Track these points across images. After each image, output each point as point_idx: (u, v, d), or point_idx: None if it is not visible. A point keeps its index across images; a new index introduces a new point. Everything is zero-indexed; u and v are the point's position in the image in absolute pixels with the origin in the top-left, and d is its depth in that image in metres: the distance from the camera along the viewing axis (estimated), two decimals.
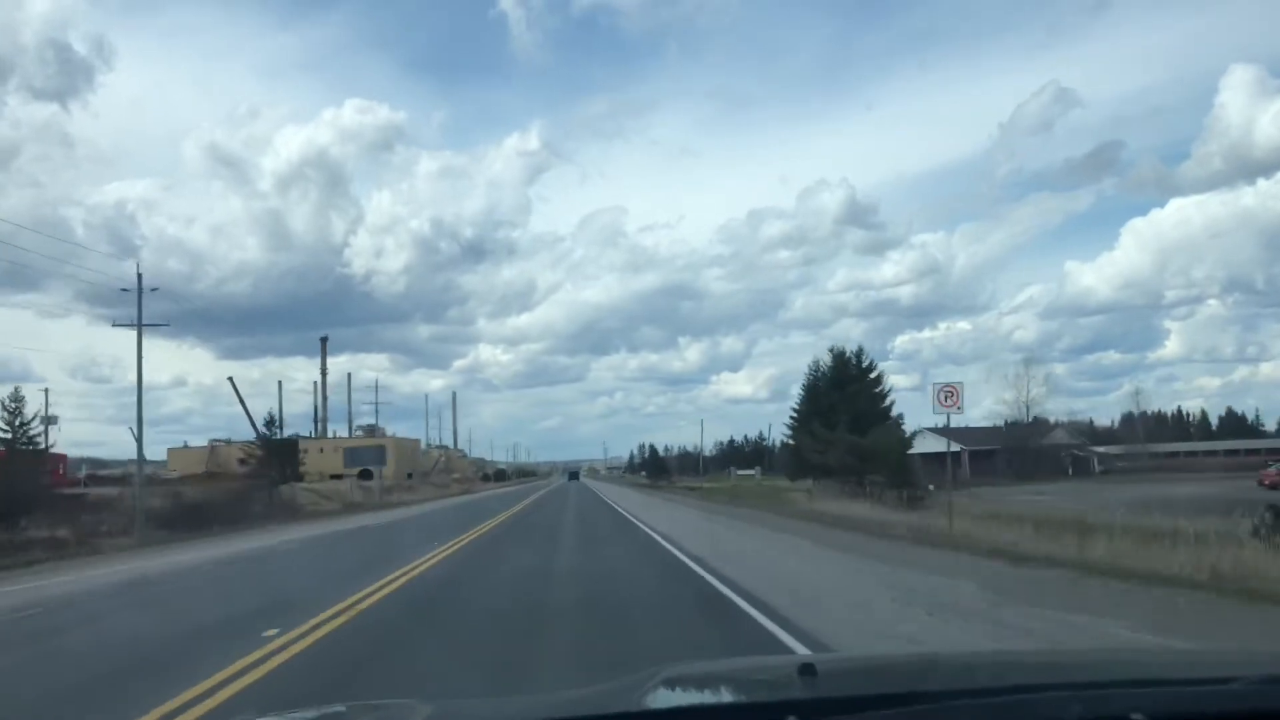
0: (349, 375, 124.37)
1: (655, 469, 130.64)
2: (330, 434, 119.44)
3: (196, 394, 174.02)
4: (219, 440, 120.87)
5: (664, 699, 2.16)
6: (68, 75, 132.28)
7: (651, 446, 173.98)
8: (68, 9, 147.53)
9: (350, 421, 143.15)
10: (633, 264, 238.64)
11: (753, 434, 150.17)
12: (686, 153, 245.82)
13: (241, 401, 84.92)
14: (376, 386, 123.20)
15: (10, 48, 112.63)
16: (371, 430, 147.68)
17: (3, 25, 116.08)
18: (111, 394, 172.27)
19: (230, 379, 79.32)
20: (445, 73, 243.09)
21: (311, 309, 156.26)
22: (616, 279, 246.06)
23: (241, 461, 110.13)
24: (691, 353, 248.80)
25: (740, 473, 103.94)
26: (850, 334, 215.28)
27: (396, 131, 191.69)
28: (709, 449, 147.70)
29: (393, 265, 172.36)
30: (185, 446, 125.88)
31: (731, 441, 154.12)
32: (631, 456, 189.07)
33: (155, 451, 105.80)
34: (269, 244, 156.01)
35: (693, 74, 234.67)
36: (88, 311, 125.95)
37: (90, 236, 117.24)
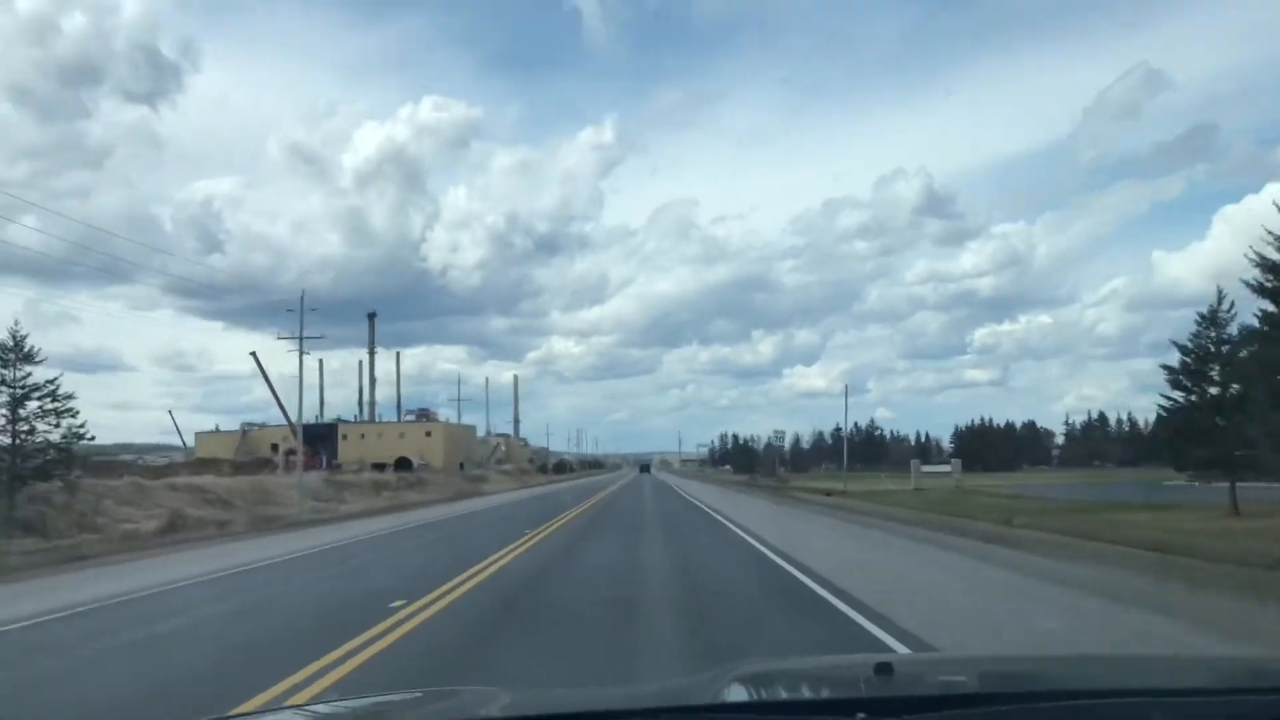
0: (398, 354, 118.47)
1: (743, 462, 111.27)
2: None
3: (278, 383, 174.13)
4: (252, 424, 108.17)
5: (737, 694, 2.14)
6: (157, 78, 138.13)
7: (734, 436, 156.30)
8: (157, 13, 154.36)
9: (399, 406, 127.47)
10: (705, 256, 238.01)
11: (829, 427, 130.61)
12: (760, 142, 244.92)
13: (267, 379, 71.53)
14: (459, 381, 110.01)
15: (104, 53, 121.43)
16: (425, 415, 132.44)
17: (98, 31, 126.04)
18: (197, 382, 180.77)
19: (253, 354, 67.40)
20: (520, 68, 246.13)
21: (390, 302, 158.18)
22: (688, 271, 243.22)
23: (274, 447, 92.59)
24: (765, 346, 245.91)
25: (933, 469, 67.40)
26: (928, 326, 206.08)
27: (472, 128, 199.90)
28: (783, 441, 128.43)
29: (468, 260, 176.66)
30: (216, 430, 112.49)
31: (837, 431, 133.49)
32: (712, 448, 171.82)
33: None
34: (349, 239, 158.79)
35: (766, 62, 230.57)
36: (175, 304, 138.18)
37: (178, 232, 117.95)
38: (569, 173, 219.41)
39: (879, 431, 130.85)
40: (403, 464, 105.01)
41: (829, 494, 45.32)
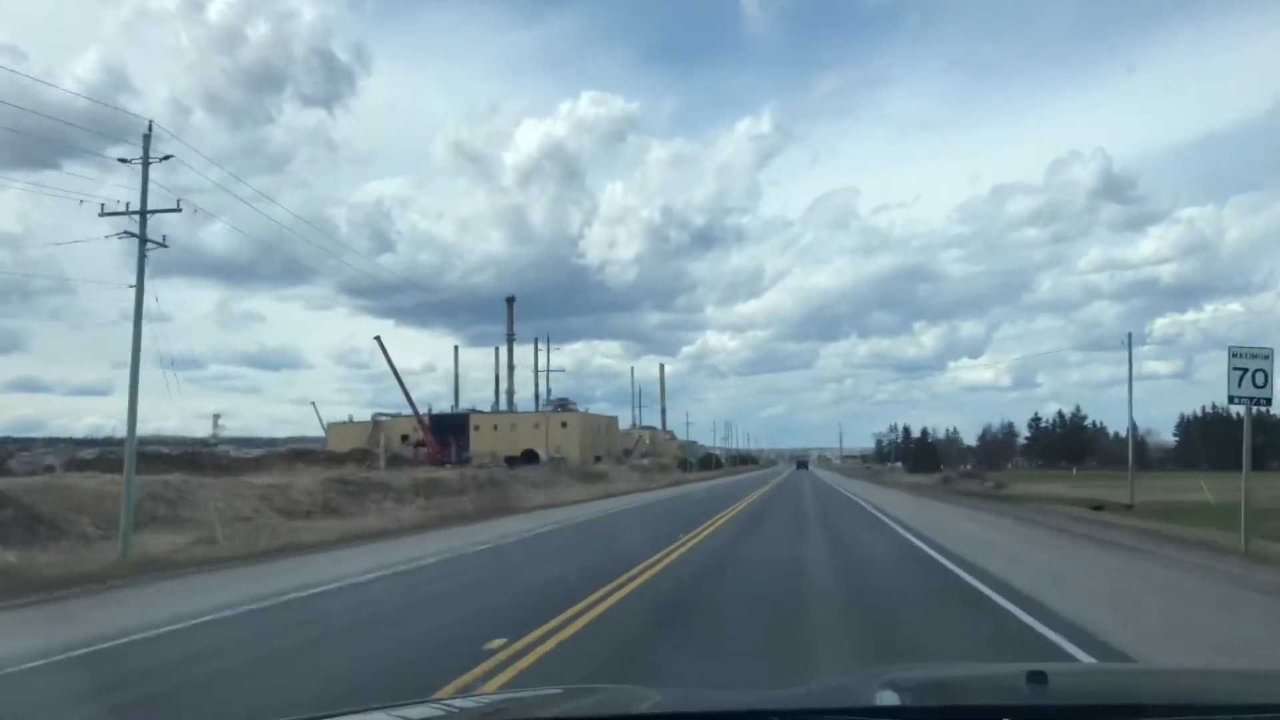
0: (535, 340, 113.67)
1: (921, 459, 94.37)
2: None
3: (444, 379, 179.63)
4: (384, 415, 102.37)
5: (884, 698, 2.11)
6: (332, 82, 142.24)
7: (906, 429, 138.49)
8: (331, 19, 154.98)
9: (538, 396, 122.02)
10: (865, 246, 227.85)
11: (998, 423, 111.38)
12: (924, 127, 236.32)
13: (391, 365, 64.58)
14: (633, 374, 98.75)
15: (284, 60, 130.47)
16: (563, 405, 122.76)
17: (279, 39, 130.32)
18: (369, 379, 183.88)
19: (377, 338, 60.22)
20: (678, 60, 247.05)
21: (549, 298, 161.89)
22: (848, 262, 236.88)
23: (404, 438, 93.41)
24: (927, 338, 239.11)
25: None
26: (1103, 317, 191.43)
27: (629, 121, 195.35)
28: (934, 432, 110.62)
29: (624, 254, 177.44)
30: (350, 421, 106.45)
31: (1009, 427, 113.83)
32: (880, 442, 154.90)
33: None
34: (510, 236, 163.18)
35: (932, 43, 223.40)
36: (349, 303, 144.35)
37: (352, 233, 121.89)
38: (726, 164, 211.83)
39: (1086, 420, 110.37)
40: (527, 457, 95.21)
41: (1099, 508, 29.96)
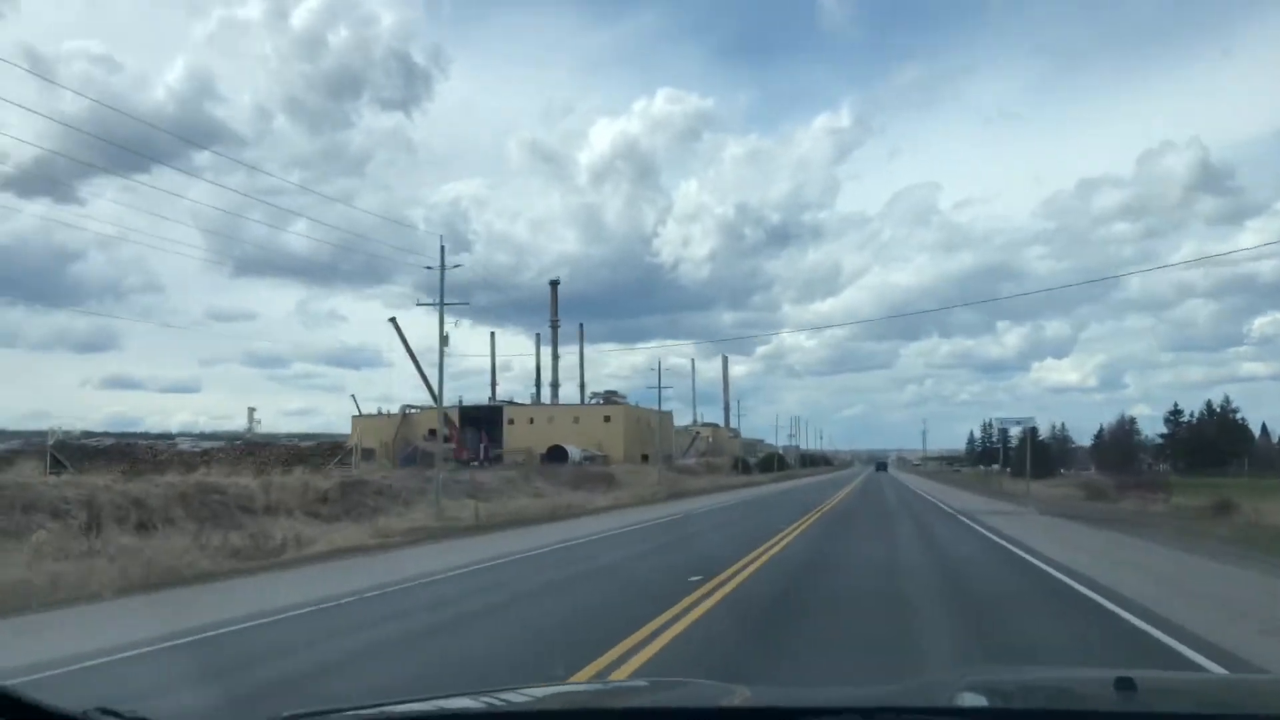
0: (580, 326, 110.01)
1: (1033, 462, 76.88)
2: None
3: (519, 378, 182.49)
4: (413, 407, 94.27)
5: (966, 699, 2.10)
6: (410, 85, 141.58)
7: (1003, 429, 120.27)
8: (409, 22, 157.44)
9: (583, 387, 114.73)
10: (946, 243, 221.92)
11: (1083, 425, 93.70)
12: (1008, 118, 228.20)
13: (408, 348, 64.14)
14: (693, 366, 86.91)
15: (364, 63, 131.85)
16: (611, 398, 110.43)
17: (359, 42, 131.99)
18: (449, 376, 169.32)
19: (392, 319, 56.27)
20: (754, 56, 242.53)
21: (623, 297, 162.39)
22: (928, 259, 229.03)
23: (431, 432, 77.36)
24: (1010, 337, 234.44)
25: None
26: (1197, 315, 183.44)
27: (704, 118, 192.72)
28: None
29: (698, 253, 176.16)
30: (378, 414, 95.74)
31: (1129, 424, 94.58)
32: (973, 441, 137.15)
33: None
34: (584, 235, 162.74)
35: (1016, 31, 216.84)
36: (426, 303, 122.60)
37: (429, 233, 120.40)
38: (802, 160, 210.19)
39: (1236, 415, 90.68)
40: (554, 454, 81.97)
41: None
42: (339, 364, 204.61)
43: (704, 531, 23.11)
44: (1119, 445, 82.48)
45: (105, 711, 1.80)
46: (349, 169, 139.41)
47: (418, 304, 28.24)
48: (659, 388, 63.61)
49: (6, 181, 79.27)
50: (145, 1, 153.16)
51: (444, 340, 24.95)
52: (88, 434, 55.99)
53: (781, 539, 20.22)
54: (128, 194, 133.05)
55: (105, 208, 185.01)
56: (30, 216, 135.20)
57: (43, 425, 66.48)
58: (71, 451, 44.30)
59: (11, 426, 59.76)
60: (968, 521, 27.82)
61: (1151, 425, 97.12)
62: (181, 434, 76.64)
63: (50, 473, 30.21)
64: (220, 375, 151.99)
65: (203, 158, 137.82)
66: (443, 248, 25.52)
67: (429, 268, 25.94)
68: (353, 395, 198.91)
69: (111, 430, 72.95)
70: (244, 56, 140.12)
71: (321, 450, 53.66)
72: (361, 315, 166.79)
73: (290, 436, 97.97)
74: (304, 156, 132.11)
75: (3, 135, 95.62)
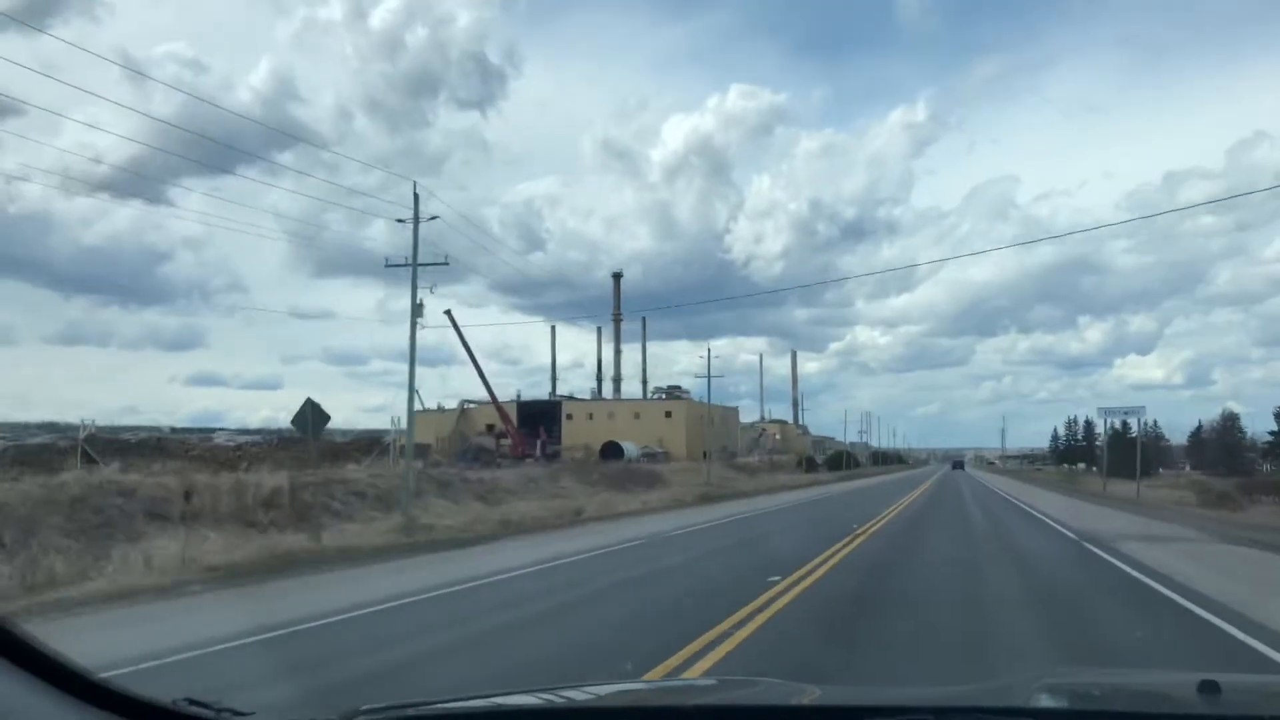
0: (643, 319, 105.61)
1: (1127, 461, 70.29)
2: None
3: (591, 375, 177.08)
4: (471, 402, 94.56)
5: (1042, 700, 2.07)
6: (485, 84, 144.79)
7: (1088, 423, 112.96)
8: (485, 22, 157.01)
9: (645, 382, 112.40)
10: (1025, 237, 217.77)
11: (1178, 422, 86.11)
12: (1090, 110, 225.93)
13: (464, 341, 63.99)
14: (761, 362, 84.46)
15: (441, 64, 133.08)
16: (674, 393, 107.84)
17: (436, 44, 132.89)
18: (520, 375, 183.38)
19: (447, 312, 49.57)
20: (829, 51, 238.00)
21: (695, 294, 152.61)
22: (1008, 254, 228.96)
23: (489, 427, 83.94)
24: (1092, 333, 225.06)
25: None
26: None
27: (777, 114, 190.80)
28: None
29: (771, 249, 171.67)
30: (439, 409, 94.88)
31: (1232, 420, 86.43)
32: (1056, 438, 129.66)
33: None
34: (656, 232, 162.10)
35: (1099, 21, 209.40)
36: (500, 301, 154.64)
37: (503, 232, 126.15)
38: (877, 154, 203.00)
39: None
40: (610, 451, 78.73)
41: None
42: (420, 363, 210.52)
43: (673, 569, 14.95)
44: (1223, 443, 75.42)
45: (193, 702, 1.86)
46: (426, 168, 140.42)
47: (386, 264, 24.55)
48: (708, 377, 59.28)
49: (103, 183, 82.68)
50: (226, 4, 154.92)
51: (418, 308, 21.32)
52: (118, 429, 54.72)
53: (743, 617, 15.69)
54: (214, 196, 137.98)
55: (194, 205, 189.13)
56: (123, 218, 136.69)
57: (133, 421, 66.60)
58: (102, 445, 42.74)
59: (58, 419, 59.14)
60: (1119, 565, 14.80)
61: (1248, 422, 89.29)
62: (220, 429, 75.78)
63: (80, 467, 29.81)
64: (301, 372, 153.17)
65: (285, 158, 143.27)
66: (416, 196, 21.88)
67: (401, 220, 22.28)
68: (416, 390, 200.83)
69: (195, 426, 73.13)
70: (325, 58, 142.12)
71: (359, 445, 51.10)
72: (437, 314, 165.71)
73: (345, 433, 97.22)
74: (383, 155, 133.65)
75: (101, 136, 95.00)
